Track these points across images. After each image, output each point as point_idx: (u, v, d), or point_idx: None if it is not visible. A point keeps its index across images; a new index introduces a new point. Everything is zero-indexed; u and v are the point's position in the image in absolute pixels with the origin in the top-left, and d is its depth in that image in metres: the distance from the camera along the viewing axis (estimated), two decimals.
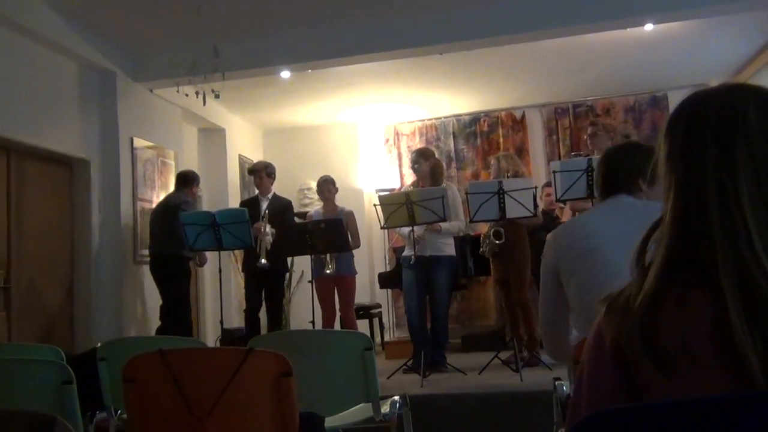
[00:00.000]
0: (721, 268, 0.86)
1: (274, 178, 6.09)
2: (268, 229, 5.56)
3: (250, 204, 5.99)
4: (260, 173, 6.01)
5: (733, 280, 0.85)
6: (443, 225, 5.19)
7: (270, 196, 6.02)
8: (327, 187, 5.95)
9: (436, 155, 6.92)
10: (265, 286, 5.87)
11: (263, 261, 5.51)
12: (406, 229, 5.30)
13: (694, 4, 5.44)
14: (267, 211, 5.70)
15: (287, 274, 6.70)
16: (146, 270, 6.17)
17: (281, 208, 5.93)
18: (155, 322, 6.18)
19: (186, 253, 5.69)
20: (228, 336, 6.18)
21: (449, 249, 5.43)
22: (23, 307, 5.09)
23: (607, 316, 0.95)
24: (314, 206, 7.23)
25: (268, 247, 5.54)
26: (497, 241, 5.14)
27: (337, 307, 5.87)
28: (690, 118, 0.97)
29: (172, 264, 5.74)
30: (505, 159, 5.63)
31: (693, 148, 0.94)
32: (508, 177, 5.32)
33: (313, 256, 5.64)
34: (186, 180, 6.06)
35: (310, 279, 5.99)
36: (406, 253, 5.47)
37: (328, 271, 5.53)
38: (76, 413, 2.15)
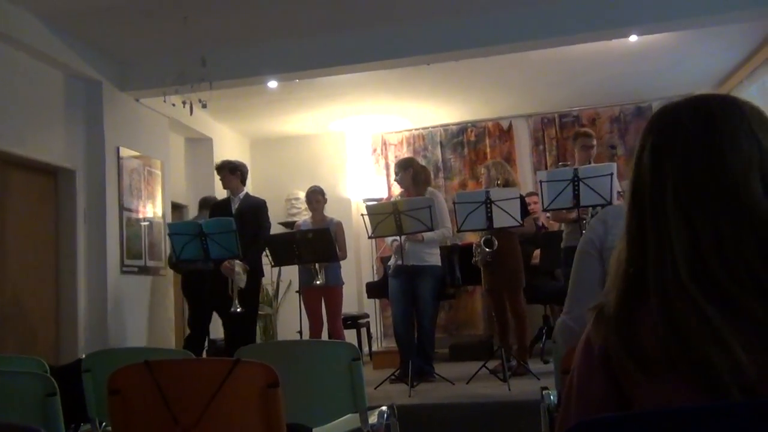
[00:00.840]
0: (651, 284, 0.89)
1: (242, 177, 5.82)
2: (239, 268, 5.26)
3: (221, 206, 5.79)
4: (223, 171, 5.81)
5: (659, 299, 0.87)
6: (425, 234, 5.18)
7: (242, 195, 5.79)
8: (315, 197, 5.93)
9: (423, 164, 6.92)
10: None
11: (238, 309, 5.20)
12: (390, 239, 5.31)
13: (678, 15, 5.50)
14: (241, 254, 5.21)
15: (260, 286, 6.24)
16: (131, 281, 6.13)
17: (253, 207, 5.70)
18: (141, 333, 6.14)
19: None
20: (214, 347, 6.14)
21: (434, 258, 5.40)
22: (6, 318, 5.03)
23: (595, 325, 0.95)
24: (302, 216, 7.22)
25: (242, 285, 5.26)
26: (488, 249, 5.13)
27: (325, 317, 5.86)
28: (643, 132, 1.00)
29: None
30: (495, 167, 5.58)
31: (638, 161, 0.98)
32: (498, 185, 5.32)
33: (300, 266, 5.60)
34: (204, 203, 6.40)
35: (297, 289, 5.96)
36: (392, 262, 5.48)
37: (317, 283, 5.50)
38: (60, 425, 2.12)
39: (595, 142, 5.38)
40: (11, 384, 2.21)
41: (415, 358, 5.15)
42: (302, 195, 6.38)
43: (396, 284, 5.36)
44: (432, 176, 7.13)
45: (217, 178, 7.79)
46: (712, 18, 5.50)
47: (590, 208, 4.84)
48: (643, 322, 0.89)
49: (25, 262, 5.30)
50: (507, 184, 5.37)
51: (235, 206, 5.71)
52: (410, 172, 5.52)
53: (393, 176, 7.97)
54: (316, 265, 5.50)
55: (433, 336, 5.54)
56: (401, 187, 5.64)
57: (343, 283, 5.86)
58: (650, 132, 0.98)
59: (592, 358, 0.94)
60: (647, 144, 0.97)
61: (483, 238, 5.18)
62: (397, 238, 5.15)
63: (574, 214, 5.09)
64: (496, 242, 5.09)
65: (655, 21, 5.57)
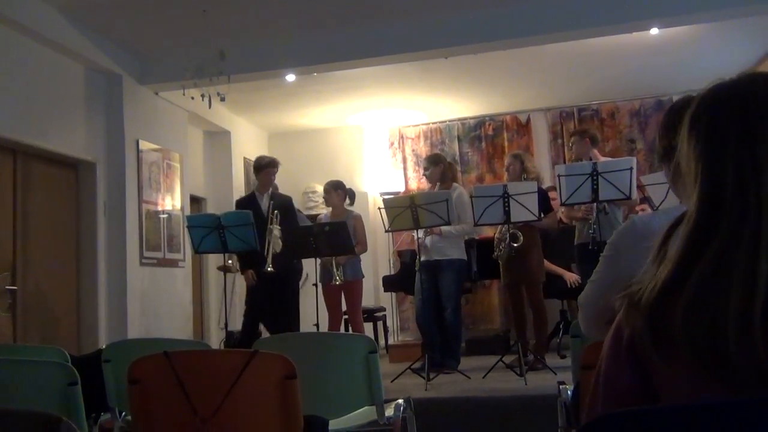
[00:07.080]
0: (721, 264, 0.84)
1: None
2: (277, 231, 5.40)
3: (248, 202, 5.76)
4: (274, 169, 5.77)
5: (731, 279, 0.82)
6: (443, 228, 5.20)
7: (270, 192, 5.76)
8: (328, 192, 5.87)
9: None
10: (273, 293, 5.58)
11: (269, 268, 5.31)
12: (414, 235, 5.38)
13: (700, 8, 5.43)
14: (277, 212, 5.46)
15: (300, 281, 6.20)
16: (151, 272, 6.19)
17: (284, 205, 5.70)
18: (160, 324, 6.20)
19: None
20: (232, 338, 6.19)
21: (456, 252, 5.43)
22: (29, 309, 5.10)
23: (626, 312, 0.93)
24: (319, 209, 7.23)
25: (277, 250, 5.35)
26: (515, 244, 5.13)
27: (344, 310, 5.88)
28: (711, 110, 0.94)
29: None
30: (528, 159, 5.66)
31: (715, 141, 0.91)
32: (528, 179, 5.32)
33: (321, 261, 5.59)
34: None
35: (314, 282, 5.97)
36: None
37: (336, 282, 5.51)
38: (81, 414, 2.15)
39: (576, 138, 5.43)
40: (34, 373, 2.24)
41: (436, 352, 5.19)
42: (320, 188, 6.37)
43: (419, 278, 5.44)
44: (458, 172, 7.11)
45: (234, 170, 7.87)
46: (735, 10, 5.43)
47: (594, 206, 4.85)
48: (676, 309, 0.85)
49: (47, 253, 5.37)
50: (537, 179, 5.44)
51: (264, 203, 5.66)
52: (440, 168, 5.59)
53: (411, 169, 8.06)
54: (334, 263, 5.49)
55: (458, 330, 5.55)
56: (429, 182, 5.67)
57: (362, 277, 5.84)
58: (714, 108, 0.93)
59: (620, 346, 0.93)
60: (718, 121, 0.91)
61: (510, 233, 5.16)
62: (421, 235, 5.21)
63: (581, 213, 5.11)
64: (522, 237, 5.09)
65: (676, 13, 5.50)
